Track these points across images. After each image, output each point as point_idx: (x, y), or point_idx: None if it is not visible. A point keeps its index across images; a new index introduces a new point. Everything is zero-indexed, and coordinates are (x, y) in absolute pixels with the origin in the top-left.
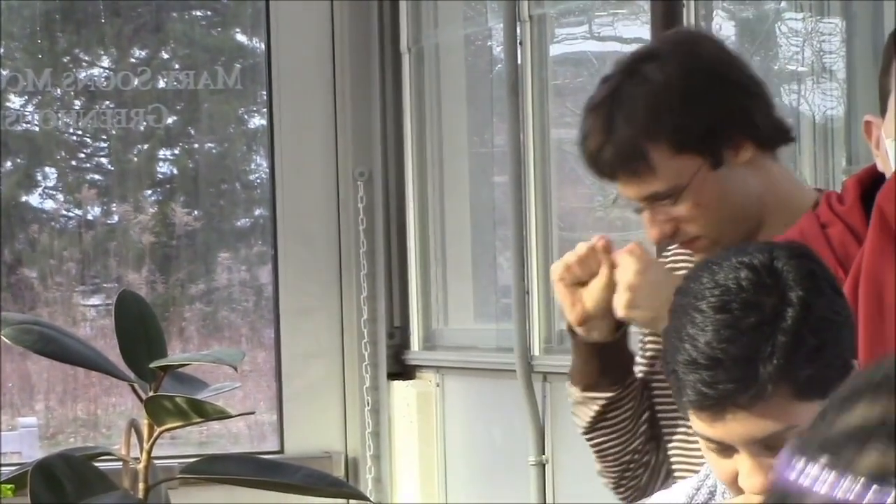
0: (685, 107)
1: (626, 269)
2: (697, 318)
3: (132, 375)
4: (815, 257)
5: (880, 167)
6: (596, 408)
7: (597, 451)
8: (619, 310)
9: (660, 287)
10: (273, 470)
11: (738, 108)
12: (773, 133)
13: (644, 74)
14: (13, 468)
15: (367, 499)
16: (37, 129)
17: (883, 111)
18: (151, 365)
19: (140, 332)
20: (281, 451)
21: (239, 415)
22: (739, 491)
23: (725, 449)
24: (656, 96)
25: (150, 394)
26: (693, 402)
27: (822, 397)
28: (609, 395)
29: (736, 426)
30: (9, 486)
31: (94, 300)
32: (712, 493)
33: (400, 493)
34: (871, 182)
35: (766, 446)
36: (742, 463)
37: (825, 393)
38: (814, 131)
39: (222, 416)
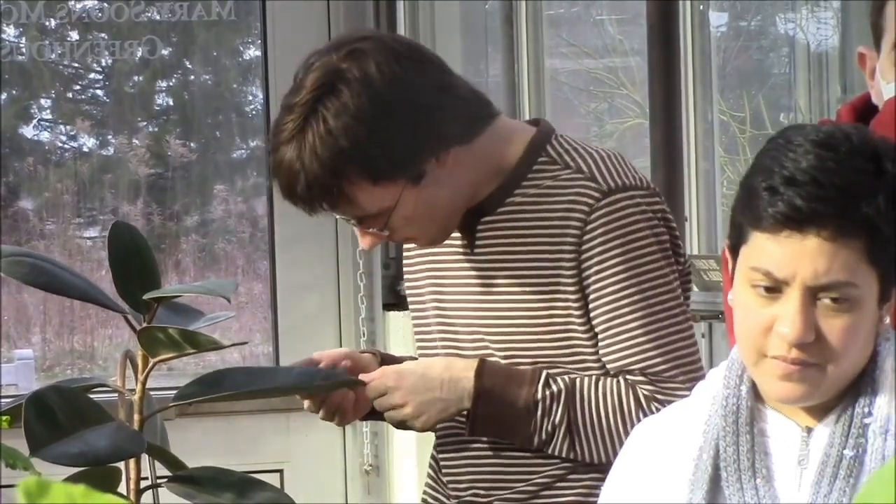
0: (371, 144)
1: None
2: (799, 149)
3: (126, 307)
4: None
5: (874, 99)
6: None
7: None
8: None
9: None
10: (266, 374)
11: (426, 129)
12: (471, 126)
13: (323, 115)
14: (10, 400)
15: (363, 384)
16: (31, 61)
17: (877, 46)
18: (144, 297)
19: (134, 264)
20: None
21: (232, 345)
22: (761, 346)
23: (774, 290)
24: (338, 139)
25: (144, 325)
26: (780, 213)
27: (884, 273)
28: None
29: (808, 254)
30: (5, 418)
31: (91, 232)
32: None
33: None
34: (866, 110)
35: (818, 297)
36: (788, 306)
37: (887, 269)
38: (808, 60)
39: (215, 346)
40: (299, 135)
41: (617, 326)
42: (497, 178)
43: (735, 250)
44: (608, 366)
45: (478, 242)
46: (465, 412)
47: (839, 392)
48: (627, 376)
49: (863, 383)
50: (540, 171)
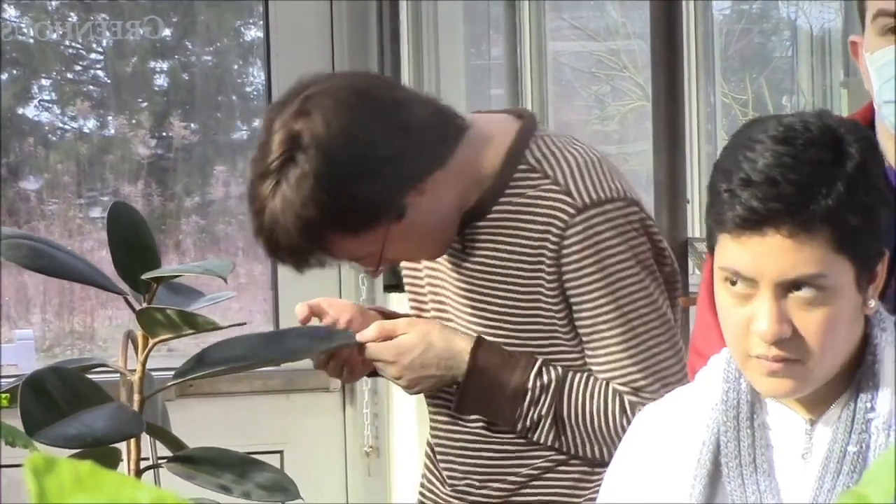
0: (340, 206)
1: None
2: (758, 146)
3: (126, 288)
4: (874, 140)
5: (867, 85)
6: None
7: None
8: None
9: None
10: (265, 342)
11: (392, 173)
12: (442, 149)
13: (286, 187)
14: (10, 380)
15: (360, 344)
16: (32, 41)
17: (863, 26)
18: (142, 277)
19: (134, 244)
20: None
21: (229, 326)
22: (745, 346)
23: (746, 294)
24: (305, 208)
25: (143, 305)
26: (739, 216)
27: (857, 258)
28: None
29: (771, 253)
30: (5, 396)
31: (92, 213)
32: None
33: (397, 405)
34: (871, 123)
35: (790, 292)
36: (761, 305)
37: (862, 255)
38: (811, 44)
39: (213, 327)
40: (271, 204)
41: (597, 341)
42: (481, 185)
43: (711, 251)
44: (594, 374)
45: (467, 246)
46: (456, 385)
47: (837, 381)
48: (613, 385)
49: (863, 376)
50: (521, 178)
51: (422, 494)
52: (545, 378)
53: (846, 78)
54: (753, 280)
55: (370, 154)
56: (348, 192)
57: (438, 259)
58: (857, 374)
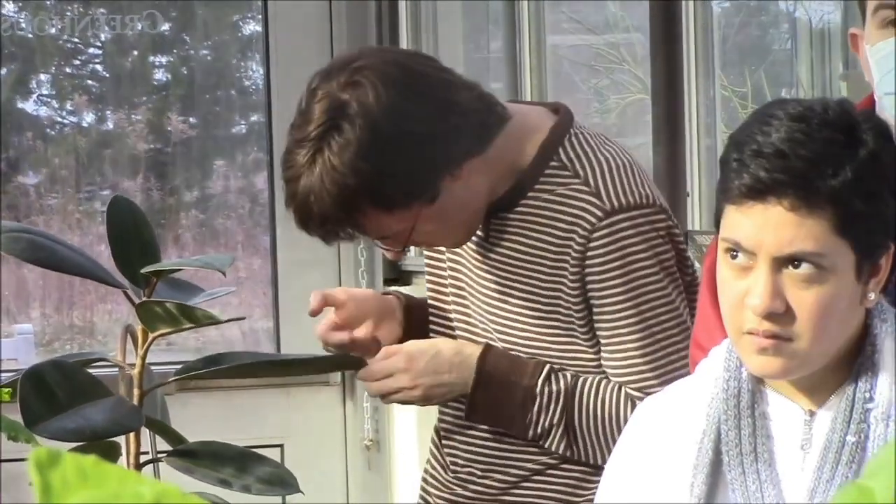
0: (379, 179)
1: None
2: (774, 122)
3: (125, 282)
4: (890, 132)
5: (867, 77)
6: None
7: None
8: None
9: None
10: (271, 358)
11: (433, 154)
12: (482, 136)
13: (328, 153)
14: (10, 374)
15: (364, 363)
16: (31, 35)
17: (864, 21)
18: (142, 270)
19: (133, 238)
20: None
21: (229, 320)
22: (739, 321)
23: (746, 266)
24: (345, 176)
25: (143, 299)
26: (744, 185)
27: (859, 245)
28: None
29: (772, 225)
30: (6, 390)
31: (90, 207)
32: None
33: None
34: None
35: (786, 267)
36: (756, 279)
37: (864, 243)
38: (811, 36)
39: (212, 321)
40: (308, 171)
41: (616, 345)
42: (513, 177)
43: (718, 225)
44: (609, 376)
45: (491, 236)
46: (466, 396)
47: (837, 371)
48: (625, 388)
49: (863, 366)
50: (552, 175)
51: (424, 480)
52: (554, 385)
53: (845, 70)
54: (753, 253)
55: (415, 131)
56: (389, 166)
57: (461, 247)
58: (856, 365)
